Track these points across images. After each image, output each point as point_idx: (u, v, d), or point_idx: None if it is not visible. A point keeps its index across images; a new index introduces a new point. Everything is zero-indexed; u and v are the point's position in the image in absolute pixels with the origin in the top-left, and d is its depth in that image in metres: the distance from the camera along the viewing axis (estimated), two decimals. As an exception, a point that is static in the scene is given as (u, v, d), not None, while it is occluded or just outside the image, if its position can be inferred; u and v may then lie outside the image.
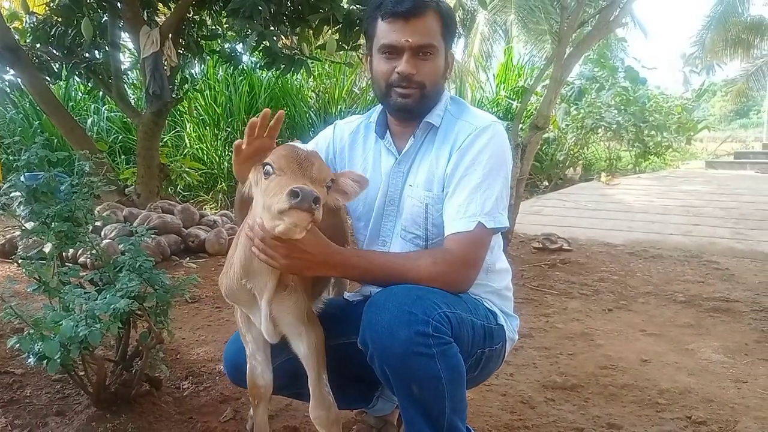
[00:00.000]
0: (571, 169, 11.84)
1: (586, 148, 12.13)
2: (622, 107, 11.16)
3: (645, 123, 11.51)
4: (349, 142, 1.94)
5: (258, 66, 7.99)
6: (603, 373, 2.85)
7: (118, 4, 5.68)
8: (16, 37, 5.85)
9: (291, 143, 1.52)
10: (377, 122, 1.88)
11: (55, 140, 8.37)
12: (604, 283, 4.55)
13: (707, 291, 4.32)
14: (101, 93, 7.48)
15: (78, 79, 7.26)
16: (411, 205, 1.77)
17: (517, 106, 10.57)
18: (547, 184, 10.59)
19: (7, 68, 5.93)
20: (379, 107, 1.90)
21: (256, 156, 1.49)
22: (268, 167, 1.43)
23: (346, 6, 5.44)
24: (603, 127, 11.20)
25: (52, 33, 6.03)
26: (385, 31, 1.70)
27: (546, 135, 10.03)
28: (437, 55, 1.72)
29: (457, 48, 19.30)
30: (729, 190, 8.68)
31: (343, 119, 2.05)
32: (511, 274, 1.95)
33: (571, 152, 11.40)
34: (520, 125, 6.12)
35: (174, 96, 6.12)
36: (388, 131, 1.86)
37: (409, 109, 1.74)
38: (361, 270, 1.63)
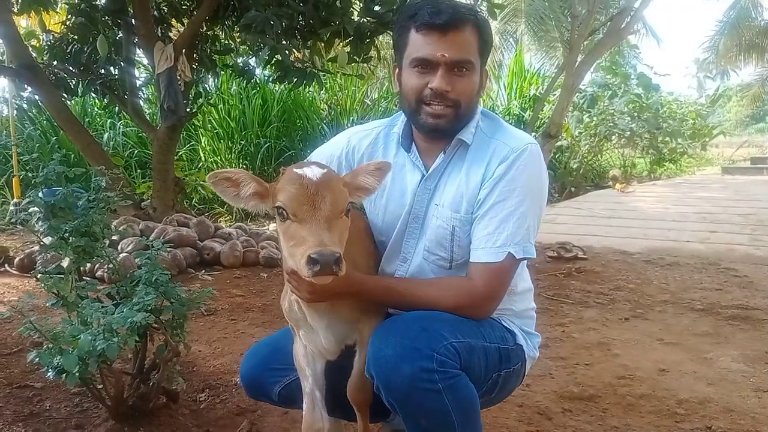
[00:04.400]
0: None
1: (600, 155, 12.07)
2: (636, 114, 11.11)
3: (659, 129, 11.44)
4: (368, 153, 1.82)
5: (271, 79, 8.06)
6: (620, 383, 2.82)
7: (133, 21, 5.78)
8: (34, 55, 5.96)
9: (298, 170, 1.40)
10: (403, 134, 1.76)
11: (72, 156, 8.51)
12: (621, 291, 4.51)
13: (725, 299, 4.26)
14: (117, 108, 7.58)
15: (94, 96, 7.36)
16: (436, 225, 1.68)
17: (529, 115, 10.55)
18: (572, 190, 10.52)
19: (25, 86, 6.10)
20: (402, 116, 1.79)
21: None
22: (282, 211, 1.37)
23: (356, 19, 5.48)
24: (617, 135, 11.14)
25: (68, 50, 6.15)
26: (418, 44, 1.58)
27: (559, 143, 10.01)
28: (473, 72, 1.61)
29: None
30: (746, 196, 8.58)
31: (354, 128, 1.94)
32: (533, 292, 1.88)
33: (585, 160, 11.35)
34: (533, 134, 6.10)
35: (188, 110, 6.19)
36: (413, 144, 1.75)
37: (441, 129, 1.64)
38: (387, 297, 1.61)
